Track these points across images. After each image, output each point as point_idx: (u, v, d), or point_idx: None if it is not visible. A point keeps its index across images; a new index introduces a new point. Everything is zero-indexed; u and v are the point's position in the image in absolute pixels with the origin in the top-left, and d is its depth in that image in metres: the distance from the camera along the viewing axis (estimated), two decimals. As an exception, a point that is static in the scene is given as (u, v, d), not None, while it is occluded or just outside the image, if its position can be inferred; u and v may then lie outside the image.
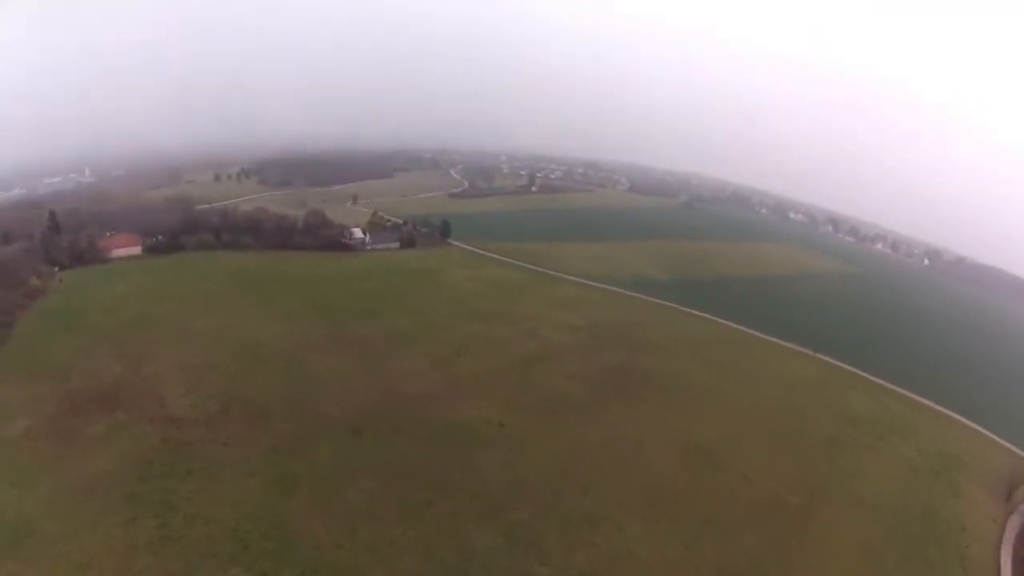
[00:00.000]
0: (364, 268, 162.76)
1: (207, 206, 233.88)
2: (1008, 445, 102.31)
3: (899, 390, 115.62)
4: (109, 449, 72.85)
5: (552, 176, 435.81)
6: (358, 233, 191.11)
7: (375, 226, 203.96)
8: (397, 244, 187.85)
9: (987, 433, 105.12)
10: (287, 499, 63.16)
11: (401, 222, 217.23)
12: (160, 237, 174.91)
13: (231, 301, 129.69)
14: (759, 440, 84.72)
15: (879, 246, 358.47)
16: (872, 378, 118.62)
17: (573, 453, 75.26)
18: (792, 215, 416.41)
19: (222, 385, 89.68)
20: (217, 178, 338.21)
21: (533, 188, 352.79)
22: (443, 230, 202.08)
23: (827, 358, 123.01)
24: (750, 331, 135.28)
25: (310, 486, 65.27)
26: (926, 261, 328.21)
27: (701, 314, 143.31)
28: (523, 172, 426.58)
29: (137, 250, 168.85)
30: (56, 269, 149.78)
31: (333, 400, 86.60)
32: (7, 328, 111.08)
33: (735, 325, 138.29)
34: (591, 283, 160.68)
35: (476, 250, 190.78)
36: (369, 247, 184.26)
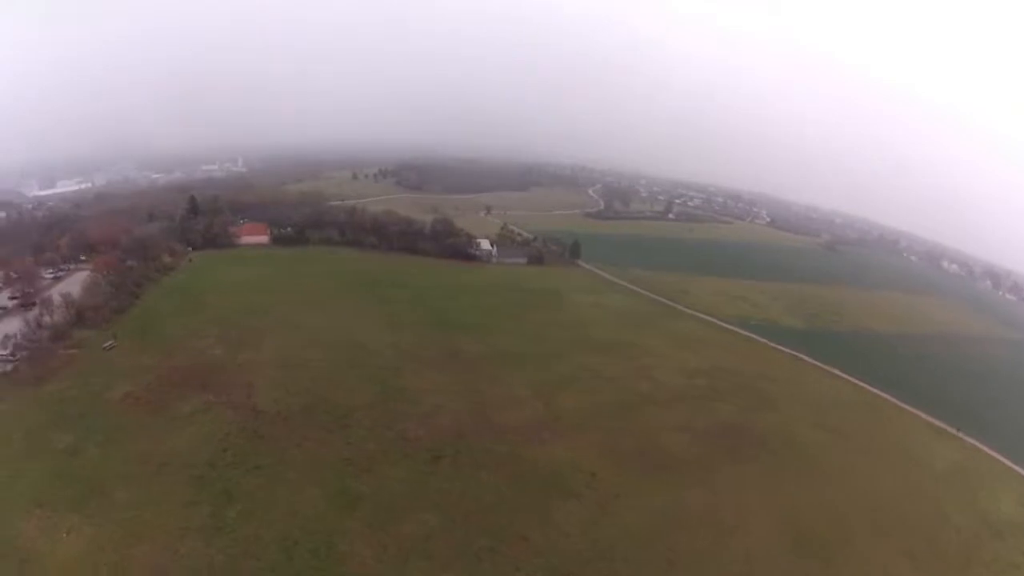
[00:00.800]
0: (486, 282, 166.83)
1: (338, 203, 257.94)
2: None
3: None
4: (191, 428, 78.62)
5: (690, 204, 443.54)
6: (485, 245, 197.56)
7: (504, 239, 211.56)
8: (524, 260, 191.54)
9: None
10: (344, 517, 62.82)
11: (531, 238, 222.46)
12: (288, 229, 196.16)
13: (343, 300, 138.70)
14: (882, 540, 72.28)
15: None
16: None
17: (665, 520, 69.90)
18: (945, 265, 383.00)
19: (312, 384, 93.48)
20: (354, 177, 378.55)
21: (670, 215, 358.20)
22: (573, 250, 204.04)
23: (974, 441, 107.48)
24: (887, 396, 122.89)
25: (371, 508, 64.54)
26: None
27: (834, 371, 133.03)
28: (661, 197, 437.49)
29: (265, 239, 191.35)
30: (189, 249, 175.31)
31: (420, 419, 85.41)
32: (134, 298, 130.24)
33: (871, 387, 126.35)
34: (718, 322, 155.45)
35: (604, 274, 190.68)
36: (495, 261, 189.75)
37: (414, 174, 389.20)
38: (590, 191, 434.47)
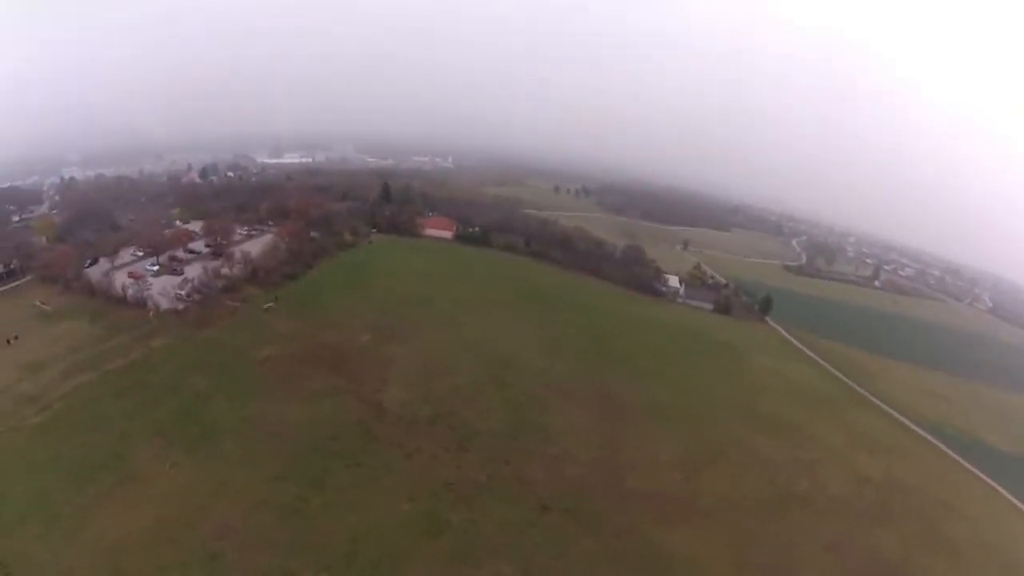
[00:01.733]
0: (663, 321, 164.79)
1: (533, 211, 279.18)
2: None
3: None
4: (311, 407, 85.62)
5: (902, 272, 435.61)
6: (673, 281, 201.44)
7: (694, 279, 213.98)
8: (710, 306, 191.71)
9: None
10: (421, 541, 63.39)
11: (723, 283, 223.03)
12: (476, 229, 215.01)
13: (508, 309, 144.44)
14: None
15: None
16: None
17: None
18: None
19: (445, 395, 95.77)
20: (556, 190, 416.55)
21: (877, 282, 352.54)
22: (763, 305, 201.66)
23: None
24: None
25: (453, 541, 64.36)
26: None
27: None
28: (869, 260, 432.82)
29: (449, 235, 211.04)
30: (373, 231, 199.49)
31: (544, 461, 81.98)
32: (307, 268, 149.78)
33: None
34: (907, 422, 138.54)
35: (790, 337, 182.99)
36: (680, 301, 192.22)
37: (616, 196, 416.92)
38: (793, 242, 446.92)
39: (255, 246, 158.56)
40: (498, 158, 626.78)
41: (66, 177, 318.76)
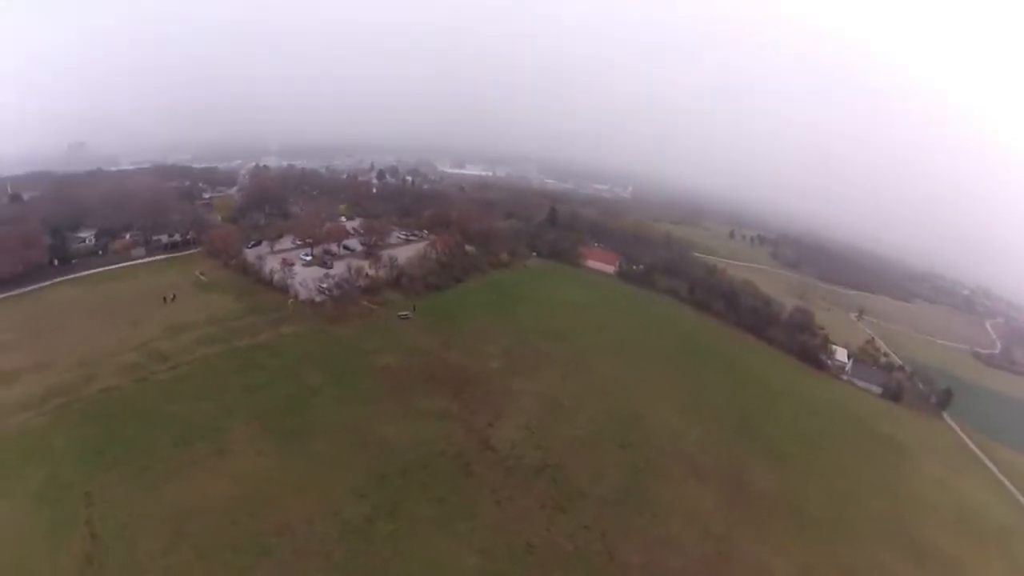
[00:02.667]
0: (822, 399, 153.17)
1: (702, 256, 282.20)
2: None
3: None
4: (416, 426, 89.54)
5: None
6: (841, 355, 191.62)
7: (864, 355, 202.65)
8: (879, 389, 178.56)
9: None
10: None
11: (897, 364, 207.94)
12: (639, 267, 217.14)
13: (653, 359, 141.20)
14: None
15: None
16: None
17: None
18: None
19: (560, 444, 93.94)
20: (731, 235, 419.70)
21: None
22: (942, 397, 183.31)
23: None
24: None
25: None
26: None
27: None
28: None
29: (610, 269, 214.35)
30: (533, 255, 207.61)
31: (645, 541, 75.73)
32: (455, 282, 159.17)
33: None
34: None
35: (970, 442, 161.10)
36: (846, 377, 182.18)
37: (791, 249, 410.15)
38: (987, 324, 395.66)
39: (407, 252, 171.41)
40: (678, 194, 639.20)
41: (260, 164, 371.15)
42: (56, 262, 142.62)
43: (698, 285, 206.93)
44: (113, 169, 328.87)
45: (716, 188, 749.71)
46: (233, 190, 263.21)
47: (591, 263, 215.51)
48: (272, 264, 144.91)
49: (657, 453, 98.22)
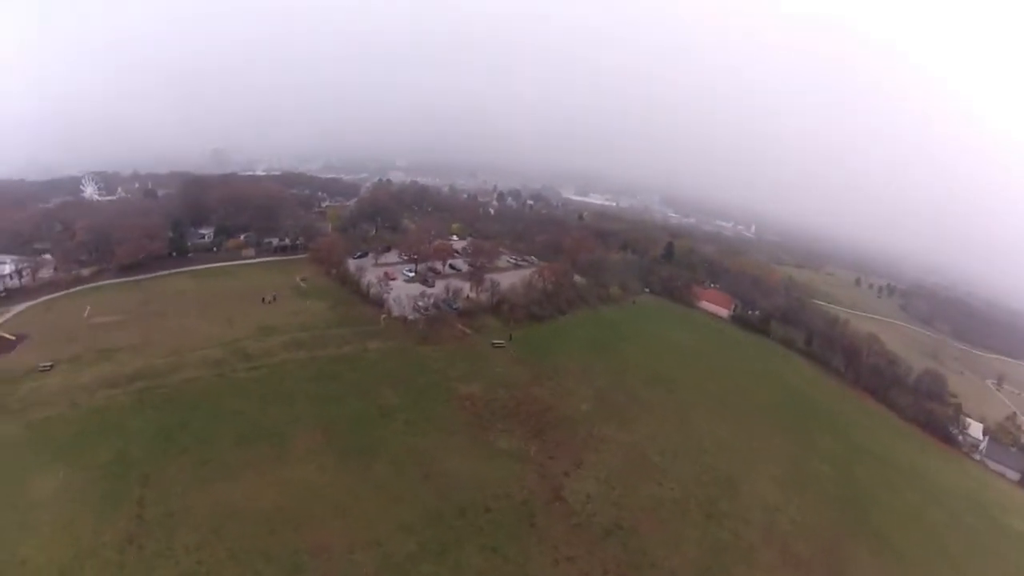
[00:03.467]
0: (948, 484, 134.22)
1: (823, 304, 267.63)
2: None
3: None
4: (486, 465, 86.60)
5: None
6: (975, 430, 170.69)
7: (1004, 433, 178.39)
8: (1017, 475, 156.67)
9: None
10: None
11: None
12: (755, 312, 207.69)
13: (758, 417, 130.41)
14: None
15: None
16: None
17: None
18: None
19: (640, 506, 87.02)
20: (857, 283, 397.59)
21: None
22: None
23: None
24: None
25: None
26: None
27: None
28: None
29: (723, 312, 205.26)
30: (644, 290, 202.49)
31: None
32: (557, 314, 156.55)
33: None
34: None
35: None
36: (978, 457, 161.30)
37: (924, 302, 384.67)
38: None
39: (512, 277, 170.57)
40: (802, 235, 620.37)
41: (384, 179, 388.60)
42: (174, 254, 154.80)
43: (816, 336, 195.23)
44: (246, 174, 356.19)
45: (843, 231, 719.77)
46: (352, 201, 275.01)
47: (704, 304, 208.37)
48: (372, 276, 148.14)
49: (747, 529, 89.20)
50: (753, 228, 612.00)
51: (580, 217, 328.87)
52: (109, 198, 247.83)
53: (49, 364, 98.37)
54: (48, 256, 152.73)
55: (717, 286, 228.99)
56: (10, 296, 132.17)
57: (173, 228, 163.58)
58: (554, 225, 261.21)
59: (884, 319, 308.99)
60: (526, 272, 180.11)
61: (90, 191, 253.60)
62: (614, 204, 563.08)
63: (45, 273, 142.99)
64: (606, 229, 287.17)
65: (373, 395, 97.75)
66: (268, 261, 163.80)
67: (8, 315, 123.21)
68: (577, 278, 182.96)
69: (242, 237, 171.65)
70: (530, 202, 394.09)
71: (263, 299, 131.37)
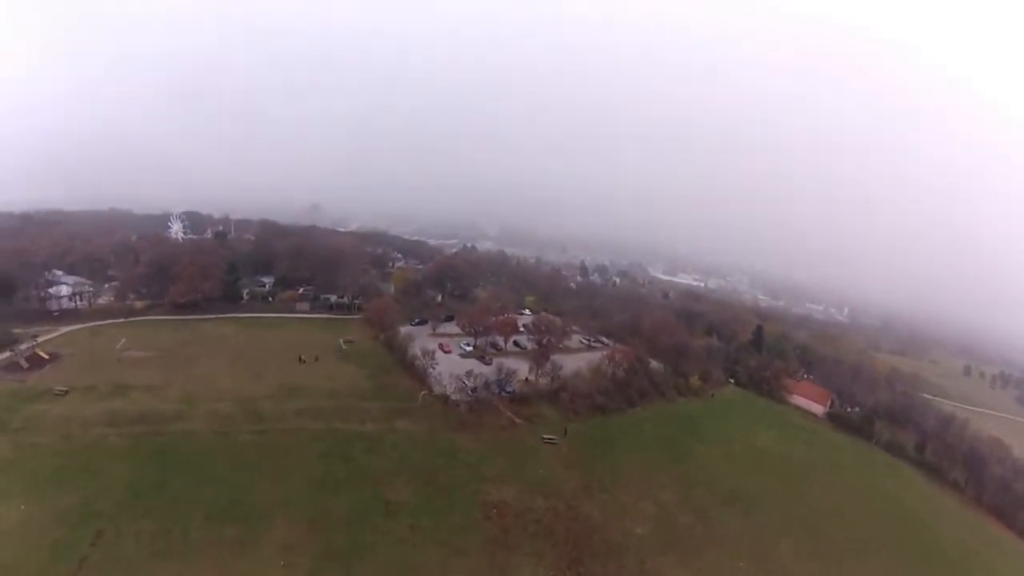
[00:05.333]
0: None
1: (935, 399, 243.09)
2: None
3: None
4: None
5: None
6: None
7: None
8: None
9: None
10: None
11: None
12: (855, 409, 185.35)
13: (860, 554, 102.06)
14: None
15: None
16: None
17: None
18: None
19: None
20: (966, 371, 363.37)
21: None
22: None
23: None
24: None
25: None
26: None
27: None
28: None
29: (819, 409, 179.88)
30: (729, 380, 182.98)
31: None
32: (627, 407, 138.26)
33: None
34: None
35: None
36: None
37: None
38: None
39: (580, 359, 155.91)
40: (901, 318, 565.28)
41: (468, 246, 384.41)
42: (226, 298, 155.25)
43: (930, 441, 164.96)
44: (330, 228, 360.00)
45: (947, 311, 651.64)
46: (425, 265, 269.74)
47: (797, 399, 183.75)
48: (422, 346, 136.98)
49: None
50: (846, 311, 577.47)
51: (665, 296, 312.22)
52: (192, 237, 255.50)
53: (64, 389, 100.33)
54: (114, 284, 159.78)
55: (812, 378, 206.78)
56: (63, 317, 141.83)
57: (228, 271, 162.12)
58: (636, 303, 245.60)
59: (1001, 415, 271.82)
60: (597, 355, 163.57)
61: (175, 228, 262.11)
62: (702, 284, 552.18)
63: (104, 300, 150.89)
64: (691, 310, 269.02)
65: (383, 486, 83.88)
66: (320, 318, 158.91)
67: (54, 334, 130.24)
68: (654, 364, 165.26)
69: (300, 290, 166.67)
70: (615, 279, 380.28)
71: (300, 358, 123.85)
